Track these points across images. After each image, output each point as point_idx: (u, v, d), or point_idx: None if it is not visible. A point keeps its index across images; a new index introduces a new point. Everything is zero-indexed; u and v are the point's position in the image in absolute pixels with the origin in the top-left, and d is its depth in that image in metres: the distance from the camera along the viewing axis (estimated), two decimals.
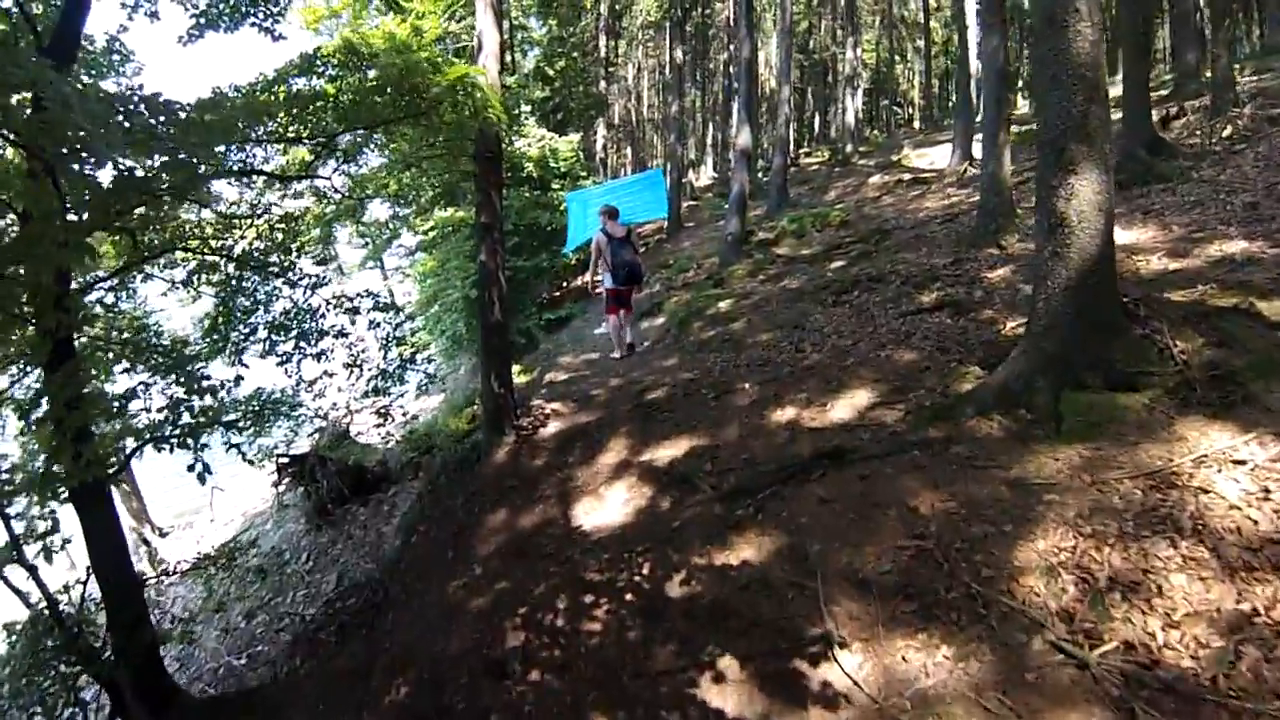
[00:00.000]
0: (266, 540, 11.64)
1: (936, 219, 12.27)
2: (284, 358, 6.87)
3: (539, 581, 4.38)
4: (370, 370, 7.35)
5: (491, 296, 6.72)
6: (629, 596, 3.86)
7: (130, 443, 5.51)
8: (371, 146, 7.78)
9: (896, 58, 47.07)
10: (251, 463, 5.77)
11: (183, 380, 5.13)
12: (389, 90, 5.03)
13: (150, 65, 11.63)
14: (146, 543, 15.20)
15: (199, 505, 15.70)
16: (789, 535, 3.87)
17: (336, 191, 7.79)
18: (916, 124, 43.29)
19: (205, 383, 4.93)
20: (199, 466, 4.43)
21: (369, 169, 9.49)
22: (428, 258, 14.64)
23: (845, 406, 5.39)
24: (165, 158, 4.51)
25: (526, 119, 17.68)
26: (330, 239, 10.87)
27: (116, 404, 4.81)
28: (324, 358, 6.98)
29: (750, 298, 10.23)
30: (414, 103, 5.23)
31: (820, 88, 44.10)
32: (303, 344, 6.77)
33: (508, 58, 19.22)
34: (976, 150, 18.57)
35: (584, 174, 16.30)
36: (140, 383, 5.03)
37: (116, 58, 7.82)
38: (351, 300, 6.76)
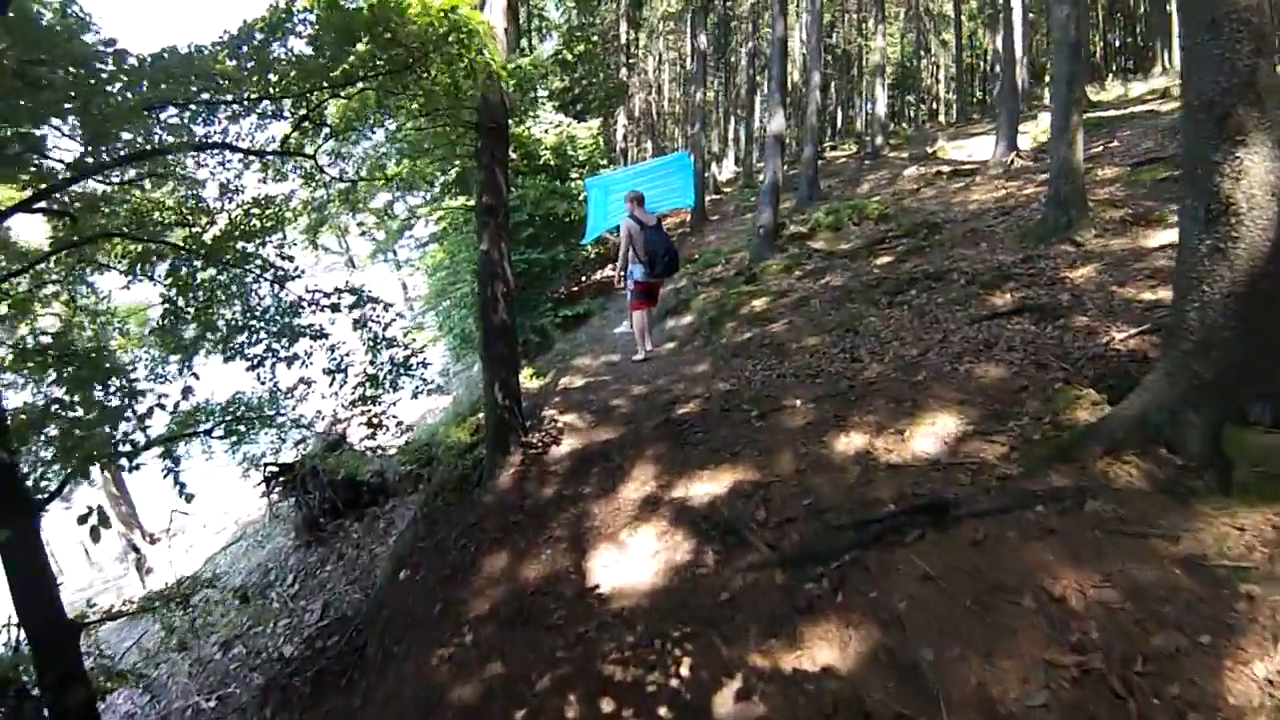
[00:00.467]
0: (255, 555, 10.76)
1: (990, 212, 11.15)
2: (254, 361, 5.92)
3: (543, 668, 3.38)
4: (356, 376, 6.38)
5: (494, 292, 5.71)
6: (663, 711, 2.86)
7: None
8: (363, 119, 6.84)
9: (921, 52, 45.82)
10: (191, 498, 4.77)
11: (115, 393, 4.17)
12: (363, 37, 4.04)
13: (126, 39, 10.66)
14: (136, 550, 14.40)
15: (194, 509, 14.87)
16: (884, 629, 2.85)
17: (322, 172, 6.84)
18: (941, 118, 42.11)
19: (116, 404, 3.96)
20: (94, 518, 3.46)
21: (366, 150, 8.58)
22: (438, 249, 13.68)
23: (928, 436, 4.35)
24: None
25: (543, 104, 16.70)
26: (326, 228, 9.92)
27: None
28: (300, 361, 6.02)
29: (789, 296, 9.18)
30: (398, 56, 4.25)
31: (843, 81, 42.71)
32: (275, 346, 5.82)
33: (524, 42, 18.26)
34: (1021, 142, 17.43)
35: (604, 162, 15.27)
36: (55, 400, 4.05)
37: (73, 22, 6.86)
38: (330, 295, 5.77)
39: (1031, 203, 10.81)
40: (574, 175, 13.82)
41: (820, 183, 18.55)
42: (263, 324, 5.65)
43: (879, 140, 25.75)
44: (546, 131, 14.41)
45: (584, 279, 16.97)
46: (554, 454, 5.88)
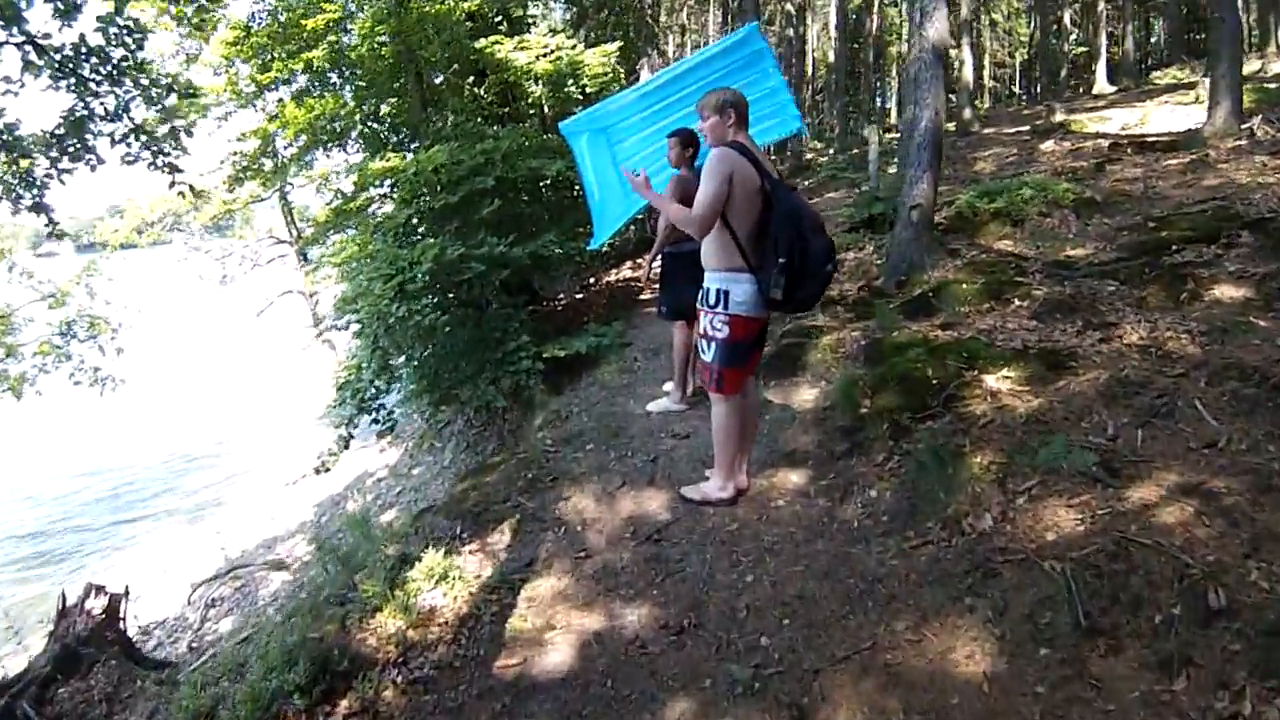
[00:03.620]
0: None
1: None
2: None
3: None
4: None
5: None
6: None
7: None
8: None
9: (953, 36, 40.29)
10: None
11: None
12: None
13: None
14: None
15: None
16: None
17: None
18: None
19: None
20: None
21: None
22: (349, 239, 8.28)
23: None
24: None
25: (534, 21, 11.37)
26: None
27: None
28: None
29: (1076, 370, 3.84)
30: None
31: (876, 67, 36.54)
32: None
33: None
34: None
35: None
36: None
37: None
38: None
39: None
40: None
41: None
42: None
43: (967, 114, 20.34)
44: (535, 58, 8.97)
45: (590, 283, 11.59)
46: None
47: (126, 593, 5.86)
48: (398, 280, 5.70)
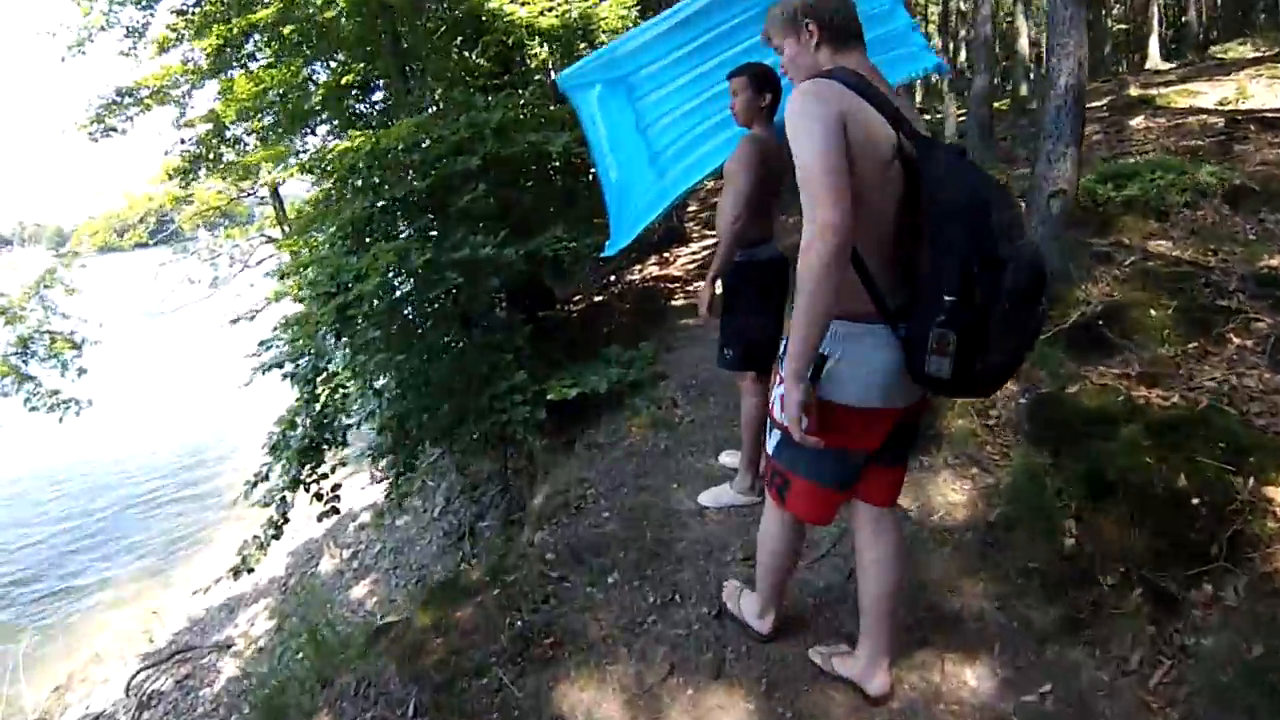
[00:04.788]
0: None
1: None
2: None
3: None
4: None
5: None
6: None
7: None
8: None
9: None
10: None
11: None
12: None
13: None
14: None
15: None
16: None
17: None
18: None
19: None
20: None
21: None
22: (304, 240, 6.58)
23: None
24: None
25: None
26: None
27: None
28: None
29: None
30: None
31: None
32: None
33: None
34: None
35: None
36: None
37: None
38: None
39: None
40: None
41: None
42: None
43: (1024, 90, 18.58)
44: (542, 13, 7.21)
45: (611, 281, 9.89)
46: None
47: None
48: (338, 301, 4.04)
